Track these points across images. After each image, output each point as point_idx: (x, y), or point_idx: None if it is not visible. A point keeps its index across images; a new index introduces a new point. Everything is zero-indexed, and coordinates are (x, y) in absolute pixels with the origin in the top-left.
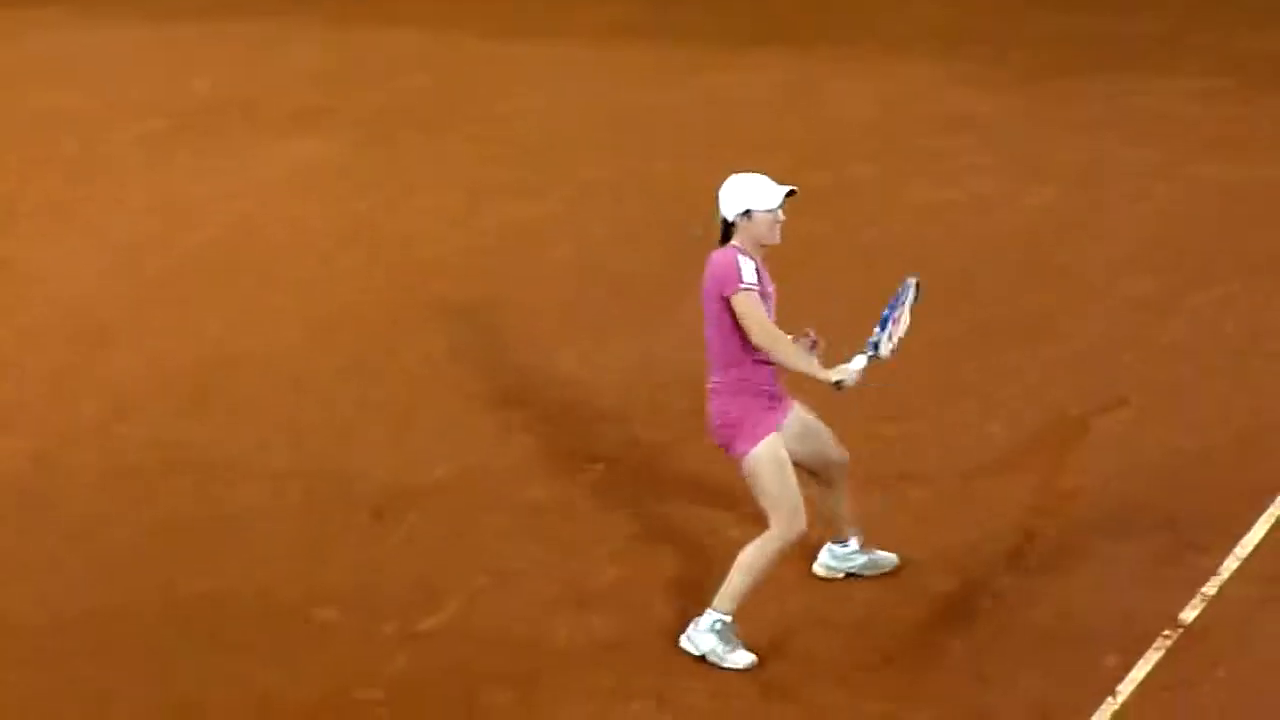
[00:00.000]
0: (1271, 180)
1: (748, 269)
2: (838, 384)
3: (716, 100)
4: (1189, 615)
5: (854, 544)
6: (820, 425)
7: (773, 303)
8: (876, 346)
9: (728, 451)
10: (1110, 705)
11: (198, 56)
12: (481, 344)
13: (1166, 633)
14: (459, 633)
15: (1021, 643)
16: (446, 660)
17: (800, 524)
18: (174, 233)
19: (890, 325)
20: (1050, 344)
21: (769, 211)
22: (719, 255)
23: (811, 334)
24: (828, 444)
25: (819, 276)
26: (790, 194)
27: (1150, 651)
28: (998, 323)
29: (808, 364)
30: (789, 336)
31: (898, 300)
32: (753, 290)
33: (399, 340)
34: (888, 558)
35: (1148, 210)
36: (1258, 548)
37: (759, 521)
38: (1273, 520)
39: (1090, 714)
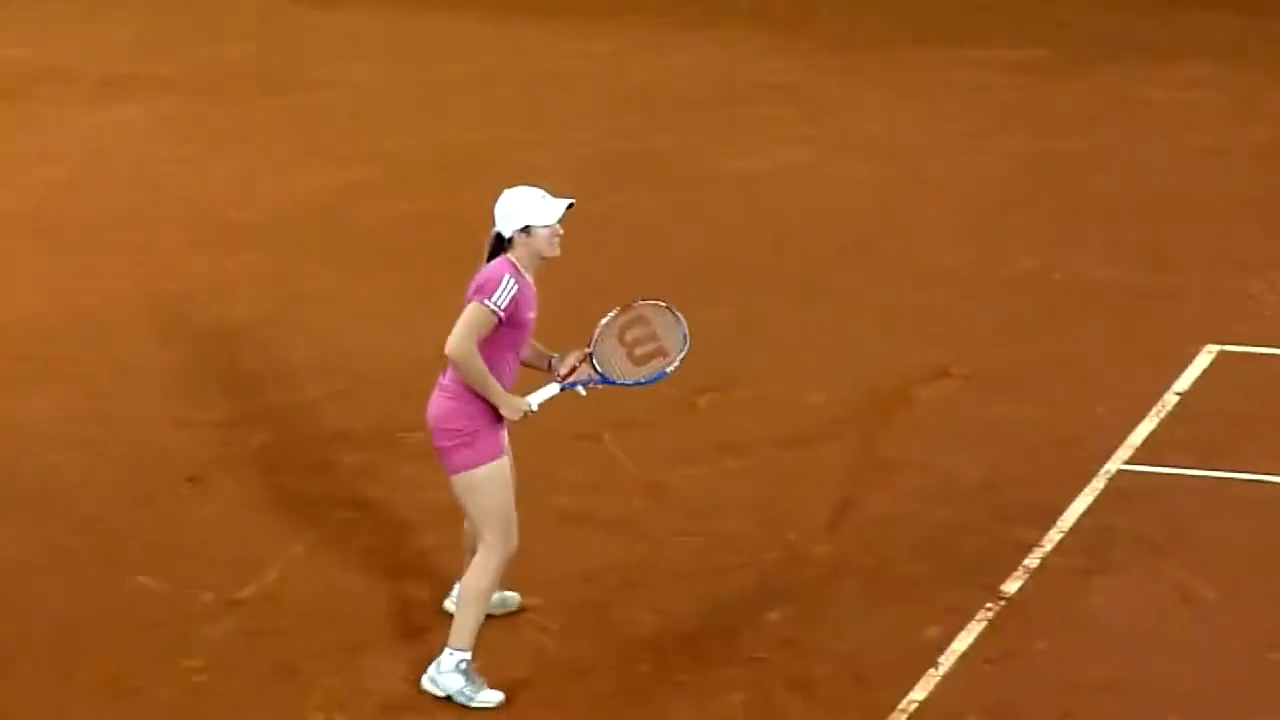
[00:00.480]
0: (1075, 151)
1: (506, 294)
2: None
3: (539, 71)
4: (1011, 587)
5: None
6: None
7: (528, 332)
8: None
9: (443, 458)
10: (932, 676)
11: (15, 23)
12: (286, 312)
13: (989, 605)
14: (277, 600)
15: (841, 614)
16: (265, 628)
17: (514, 539)
18: None
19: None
20: (870, 315)
21: (548, 227)
22: (493, 266)
23: (570, 360)
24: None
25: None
26: (569, 207)
27: (972, 623)
28: (815, 293)
29: (495, 392)
30: (554, 355)
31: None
32: (493, 314)
33: (205, 306)
34: (513, 596)
35: (960, 181)
36: (1079, 521)
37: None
38: (1095, 493)
39: (911, 685)
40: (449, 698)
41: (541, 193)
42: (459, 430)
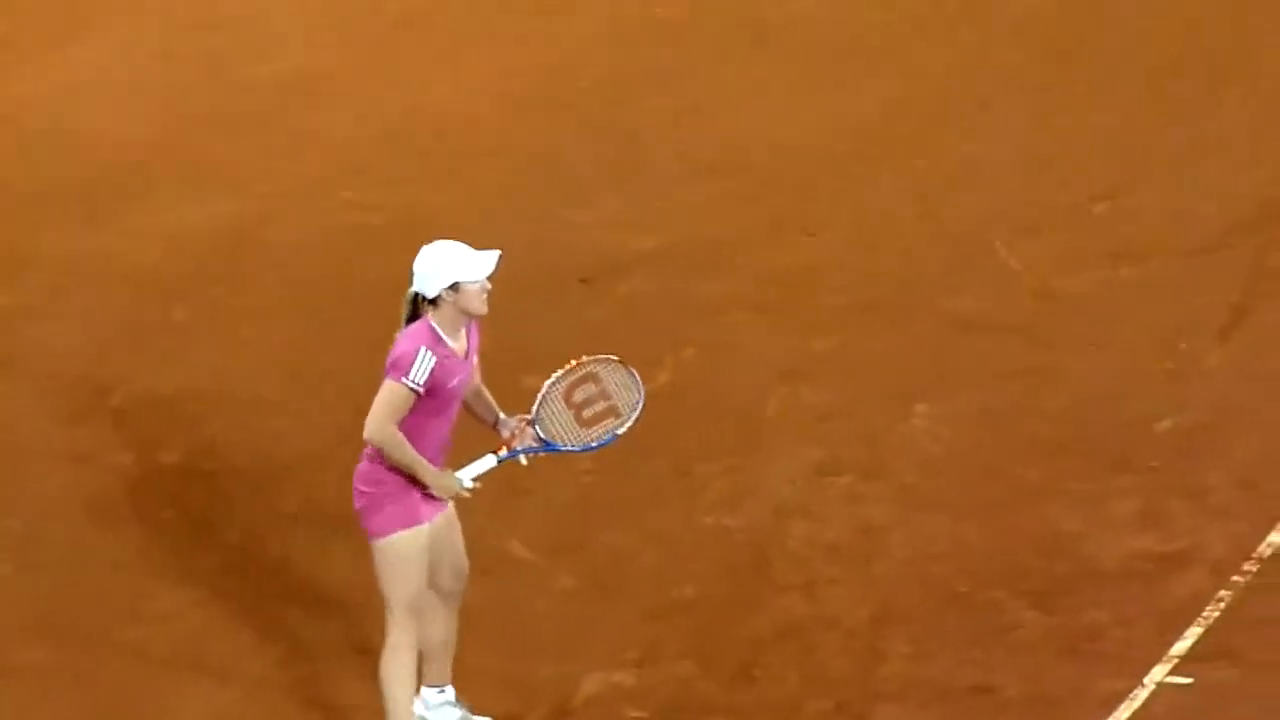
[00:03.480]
0: None
1: (423, 369)
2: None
3: None
4: None
5: (450, 692)
6: (457, 526)
7: (455, 398)
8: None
9: (361, 522)
10: None
11: None
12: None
13: None
14: (670, 400)
15: (1233, 423)
16: (657, 428)
17: (413, 626)
18: None
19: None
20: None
21: (477, 282)
22: (410, 335)
23: (511, 425)
24: (458, 549)
25: None
26: (499, 259)
27: None
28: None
29: (423, 471)
30: (501, 414)
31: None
32: (411, 392)
33: (613, 102)
34: None
35: None
36: None
37: None
38: None
39: None
40: None
41: (465, 246)
42: (373, 493)
